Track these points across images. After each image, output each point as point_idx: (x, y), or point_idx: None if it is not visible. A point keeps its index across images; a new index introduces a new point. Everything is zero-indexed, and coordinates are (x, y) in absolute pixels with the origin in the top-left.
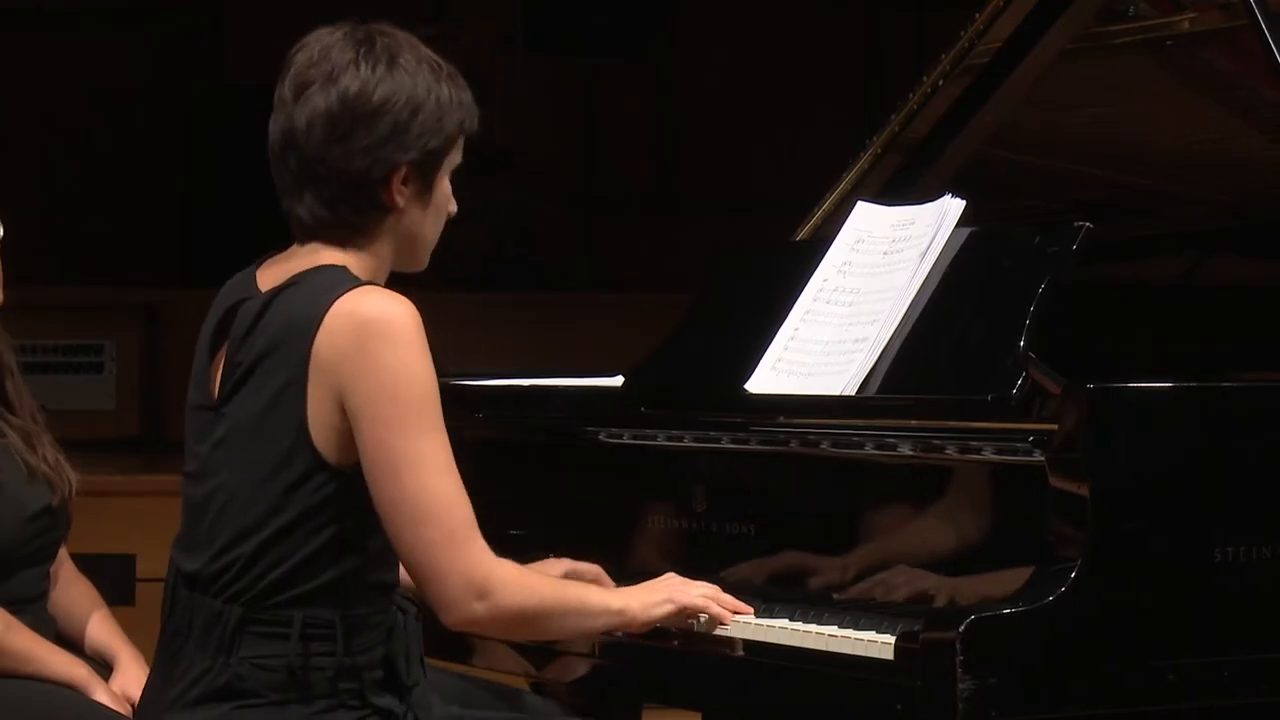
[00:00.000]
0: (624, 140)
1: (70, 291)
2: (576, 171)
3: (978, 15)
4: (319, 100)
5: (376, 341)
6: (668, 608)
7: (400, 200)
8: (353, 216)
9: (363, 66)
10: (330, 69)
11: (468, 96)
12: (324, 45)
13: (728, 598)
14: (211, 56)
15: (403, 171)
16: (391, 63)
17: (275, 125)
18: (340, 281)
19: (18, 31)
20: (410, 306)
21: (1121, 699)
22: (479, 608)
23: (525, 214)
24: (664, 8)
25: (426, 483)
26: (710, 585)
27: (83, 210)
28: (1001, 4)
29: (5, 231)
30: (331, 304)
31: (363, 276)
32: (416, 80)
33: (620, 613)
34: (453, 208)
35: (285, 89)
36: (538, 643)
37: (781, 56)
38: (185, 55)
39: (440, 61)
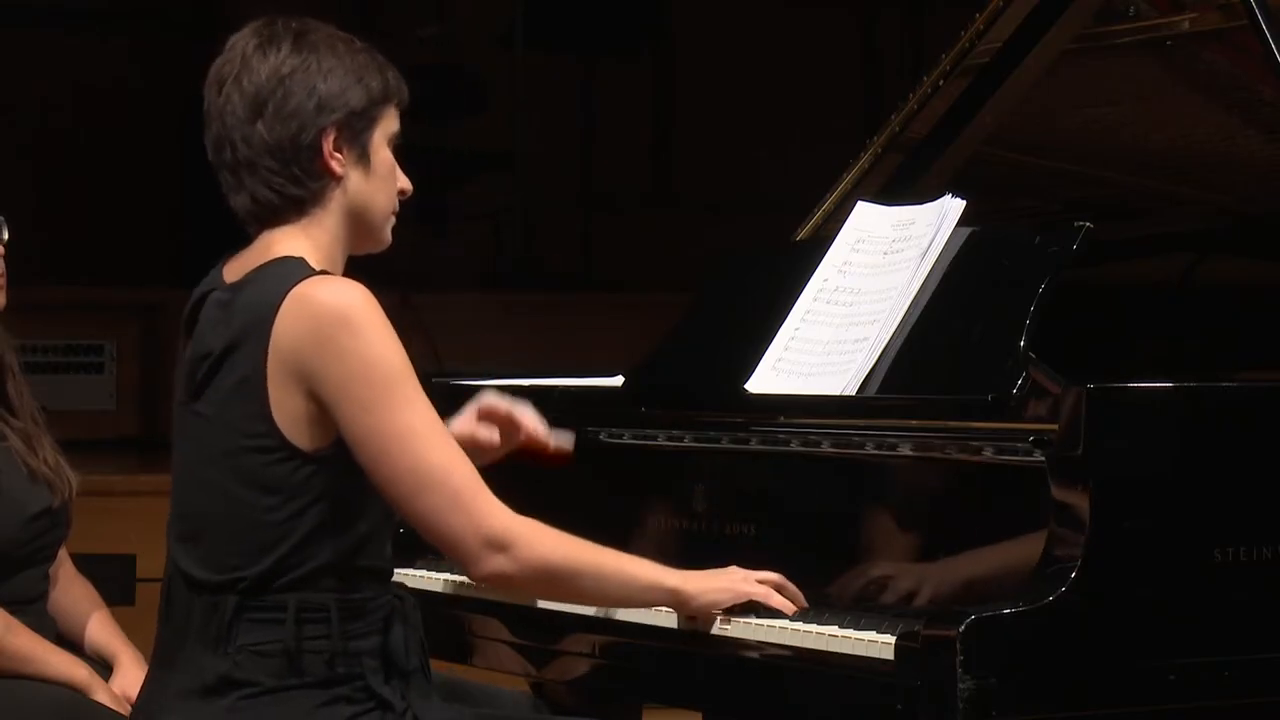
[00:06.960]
0: (623, 140)
1: (70, 291)
2: (576, 171)
3: (978, 15)
4: (235, 91)
5: (336, 329)
6: (727, 596)
7: (338, 167)
8: (294, 188)
9: (269, 49)
10: (240, 59)
11: (392, 71)
12: (231, 43)
13: (791, 587)
14: (210, 57)
15: (331, 135)
16: (298, 38)
17: (208, 134)
18: (295, 271)
19: (18, 31)
20: (362, 289)
21: (1121, 699)
22: (501, 561)
23: (525, 214)
24: (663, 7)
25: (417, 455)
26: (775, 575)
27: (82, 210)
28: (1001, 4)
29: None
30: (286, 294)
31: (320, 261)
32: (326, 50)
33: (674, 592)
34: (405, 183)
35: (209, 94)
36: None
37: (781, 57)
38: (184, 55)
39: (355, 39)
